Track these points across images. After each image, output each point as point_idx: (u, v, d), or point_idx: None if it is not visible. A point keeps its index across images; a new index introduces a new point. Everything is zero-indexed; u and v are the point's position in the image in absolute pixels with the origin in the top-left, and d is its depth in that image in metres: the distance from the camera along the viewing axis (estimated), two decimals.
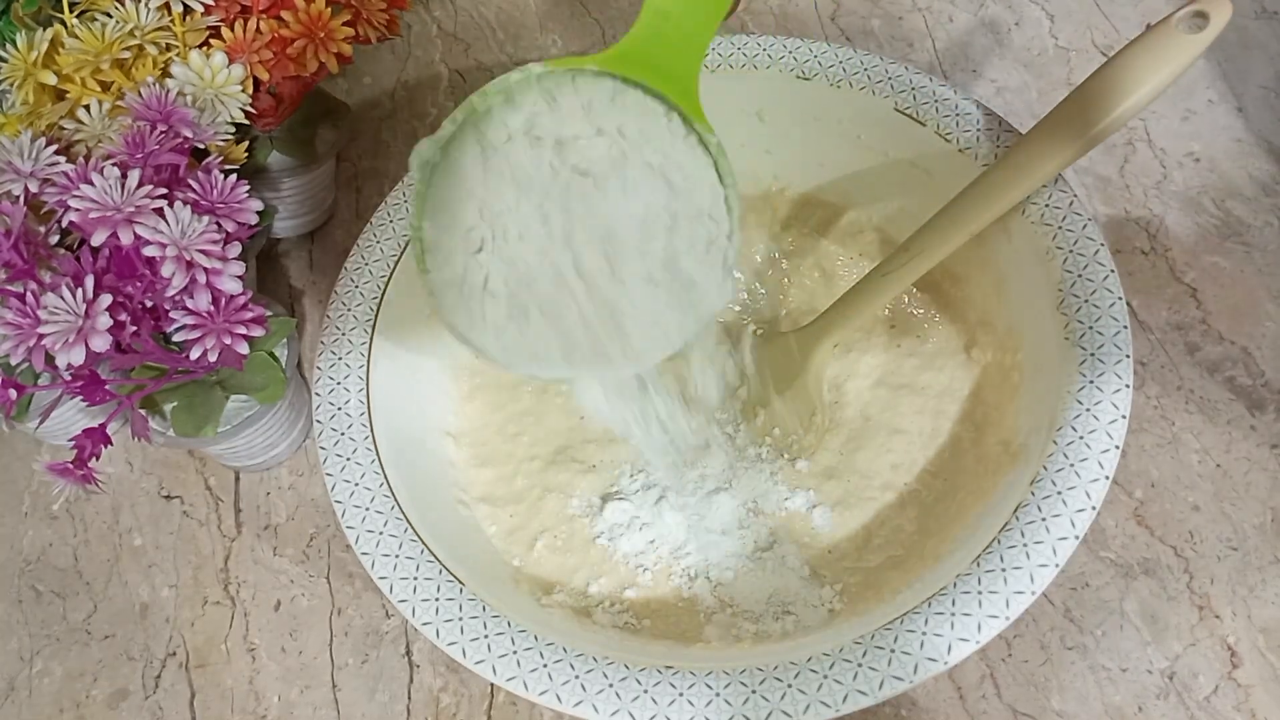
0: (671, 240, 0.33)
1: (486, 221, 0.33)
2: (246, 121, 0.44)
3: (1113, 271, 0.40)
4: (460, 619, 0.36)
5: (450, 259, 0.34)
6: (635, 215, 0.33)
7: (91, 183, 0.36)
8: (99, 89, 0.42)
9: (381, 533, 0.39)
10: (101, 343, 0.34)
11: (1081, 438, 0.36)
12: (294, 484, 0.51)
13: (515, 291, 0.33)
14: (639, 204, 0.32)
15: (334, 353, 0.43)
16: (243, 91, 0.43)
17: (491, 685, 0.44)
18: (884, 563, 0.41)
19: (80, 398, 0.38)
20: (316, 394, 0.43)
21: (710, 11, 0.35)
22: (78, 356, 0.34)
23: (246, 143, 0.45)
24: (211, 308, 0.37)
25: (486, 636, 0.36)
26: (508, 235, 0.33)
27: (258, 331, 0.37)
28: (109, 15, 0.42)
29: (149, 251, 0.35)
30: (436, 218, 0.34)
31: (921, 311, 0.48)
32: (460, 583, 0.37)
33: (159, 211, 0.36)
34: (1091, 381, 0.37)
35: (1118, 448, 0.36)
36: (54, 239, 0.38)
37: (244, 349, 0.37)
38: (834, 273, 0.51)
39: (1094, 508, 0.35)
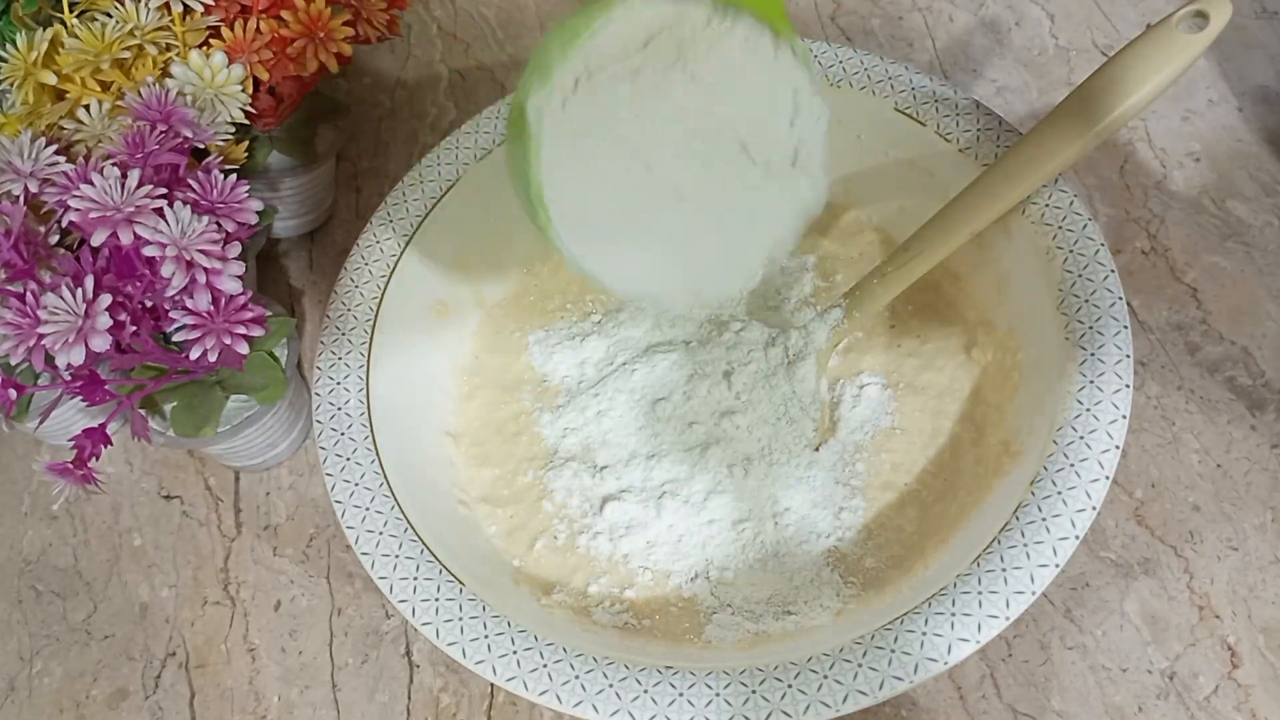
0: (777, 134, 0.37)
1: (631, 153, 0.35)
2: (246, 121, 0.44)
3: (1113, 271, 0.40)
4: (460, 619, 0.36)
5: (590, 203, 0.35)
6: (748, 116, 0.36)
7: (91, 183, 0.36)
8: (99, 89, 0.42)
9: (381, 533, 0.39)
10: (101, 343, 0.34)
11: (1082, 438, 0.36)
12: (294, 484, 0.51)
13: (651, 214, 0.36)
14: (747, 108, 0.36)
15: (334, 353, 0.44)
16: (243, 91, 0.43)
17: (491, 685, 0.44)
18: (884, 563, 0.41)
19: (80, 398, 0.38)
20: (316, 394, 0.43)
21: None
22: (78, 356, 0.34)
23: (246, 143, 0.45)
24: (211, 308, 0.37)
25: (486, 636, 0.36)
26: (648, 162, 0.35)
27: (258, 331, 0.37)
28: (109, 15, 0.42)
29: (149, 251, 0.35)
30: (564, 168, 0.34)
31: (921, 311, 0.48)
32: (460, 583, 0.37)
33: (159, 211, 0.36)
34: (1092, 381, 0.37)
35: (1118, 448, 0.36)
36: (54, 239, 0.38)
37: (244, 349, 0.37)
38: (834, 273, 0.51)
39: (1094, 508, 0.35)
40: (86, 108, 0.41)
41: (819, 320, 0.46)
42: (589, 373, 0.48)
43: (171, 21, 0.43)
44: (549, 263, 0.52)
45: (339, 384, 0.43)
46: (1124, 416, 0.36)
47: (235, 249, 0.37)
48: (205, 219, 0.37)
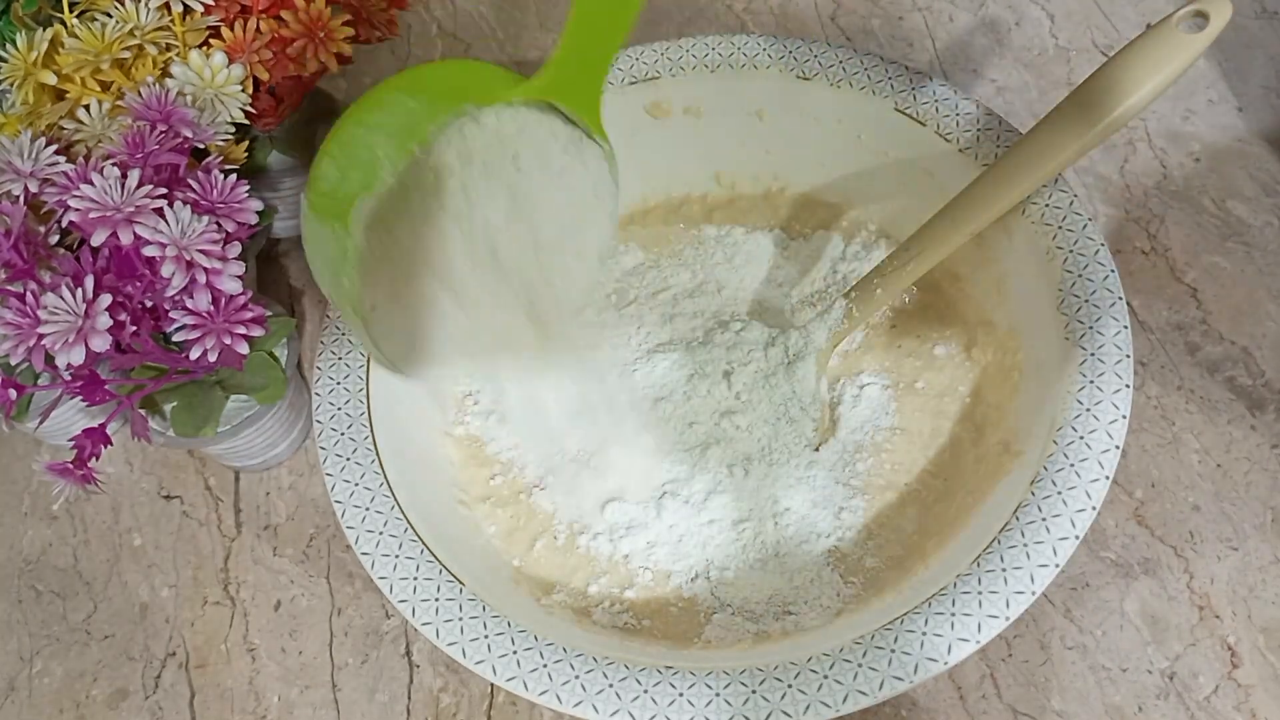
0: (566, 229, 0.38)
1: (441, 256, 0.35)
2: (246, 121, 0.44)
3: (1113, 271, 0.40)
4: (460, 619, 0.36)
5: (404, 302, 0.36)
6: (549, 212, 0.37)
7: (91, 183, 0.36)
8: (99, 89, 0.42)
9: (381, 533, 0.39)
10: (101, 343, 0.34)
11: (1081, 438, 0.36)
12: (294, 484, 0.51)
13: (465, 305, 0.37)
14: (551, 205, 0.37)
15: (334, 353, 0.43)
16: (243, 91, 0.43)
17: (491, 685, 0.44)
18: (884, 563, 0.41)
19: (80, 398, 0.38)
20: (316, 394, 0.43)
21: (609, 42, 0.37)
22: (78, 356, 0.34)
23: (246, 143, 0.45)
24: (211, 308, 0.37)
25: (486, 636, 0.36)
26: (453, 263, 0.35)
27: (258, 331, 0.37)
28: (109, 15, 0.42)
29: (149, 251, 0.35)
30: (381, 271, 0.34)
31: (921, 311, 0.48)
32: (460, 583, 0.37)
33: (159, 211, 0.36)
34: (1091, 381, 0.37)
35: (1118, 448, 0.36)
36: (54, 239, 0.38)
37: (244, 349, 0.37)
38: (834, 273, 0.51)
39: (1094, 508, 0.35)
40: (86, 108, 0.41)
41: (819, 320, 0.46)
42: None
43: (171, 21, 0.43)
44: None
45: (339, 384, 0.43)
46: (1124, 416, 0.36)
47: (235, 249, 0.37)
48: (205, 219, 0.37)
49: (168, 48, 0.43)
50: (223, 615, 0.47)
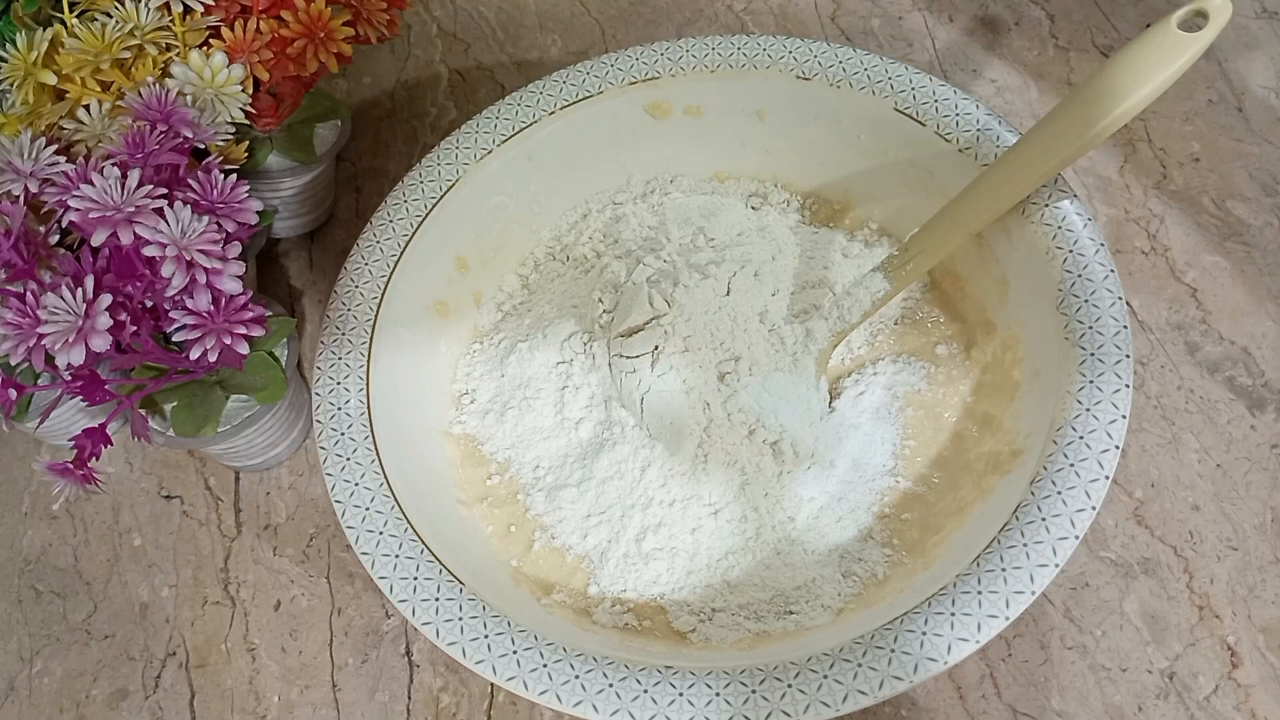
0: None
1: None
2: (246, 121, 0.44)
3: (1113, 271, 0.40)
4: (460, 619, 0.36)
5: None
6: None
7: (91, 183, 0.36)
8: (99, 89, 0.42)
9: (381, 533, 0.39)
10: (101, 343, 0.34)
11: (1081, 437, 0.36)
12: (294, 484, 0.51)
13: None
14: None
15: (334, 353, 0.44)
16: (243, 91, 0.43)
17: (491, 685, 0.44)
18: (884, 562, 0.41)
19: (80, 398, 0.38)
20: (316, 394, 0.43)
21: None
22: (78, 356, 0.34)
23: (246, 143, 0.45)
24: (211, 308, 0.37)
25: (486, 636, 0.36)
26: None
27: (258, 331, 0.37)
28: (109, 15, 0.42)
29: (149, 251, 0.35)
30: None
31: (922, 311, 0.48)
32: (460, 583, 0.37)
33: (159, 211, 0.36)
34: (1091, 381, 0.37)
35: (1118, 447, 0.36)
36: (54, 239, 0.38)
37: (244, 349, 0.37)
38: None
39: (1094, 507, 0.35)
40: (86, 108, 0.41)
41: (819, 320, 0.46)
42: None
43: (171, 21, 0.43)
44: (548, 264, 0.53)
45: (339, 384, 0.43)
46: (1124, 416, 0.36)
47: (235, 249, 0.37)
48: (205, 219, 0.37)
49: (168, 48, 0.43)
50: (223, 615, 0.47)
